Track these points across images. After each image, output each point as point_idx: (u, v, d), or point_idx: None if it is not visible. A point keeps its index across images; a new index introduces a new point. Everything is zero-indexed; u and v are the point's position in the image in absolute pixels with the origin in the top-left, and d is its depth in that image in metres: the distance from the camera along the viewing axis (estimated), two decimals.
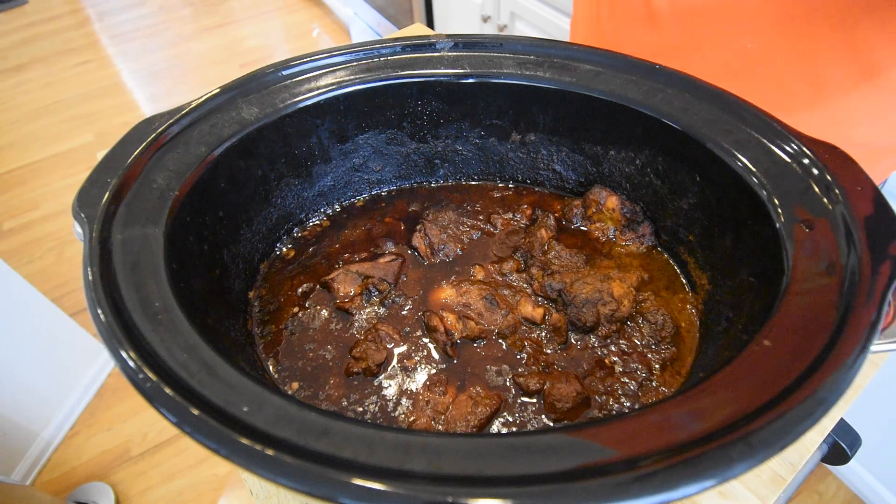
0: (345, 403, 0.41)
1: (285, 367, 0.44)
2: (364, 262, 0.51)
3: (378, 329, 0.45)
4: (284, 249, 0.53)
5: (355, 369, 0.43)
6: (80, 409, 1.53)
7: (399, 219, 0.56)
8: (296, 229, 0.54)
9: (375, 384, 0.43)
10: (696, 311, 0.46)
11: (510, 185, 0.58)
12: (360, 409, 0.41)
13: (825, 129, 0.54)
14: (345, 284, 0.48)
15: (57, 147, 2.37)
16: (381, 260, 0.51)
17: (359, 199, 0.58)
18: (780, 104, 0.54)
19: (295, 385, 0.43)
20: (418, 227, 0.53)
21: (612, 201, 0.51)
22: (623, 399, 0.41)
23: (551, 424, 0.40)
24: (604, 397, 0.41)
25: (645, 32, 0.61)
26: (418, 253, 0.52)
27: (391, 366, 0.44)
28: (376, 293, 0.48)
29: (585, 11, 0.72)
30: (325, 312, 0.47)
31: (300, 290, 0.49)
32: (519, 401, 0.42)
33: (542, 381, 0.41)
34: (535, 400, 0.41)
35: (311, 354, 0.44)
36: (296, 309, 0.48)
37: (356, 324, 0.47)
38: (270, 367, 0.44)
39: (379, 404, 0.41)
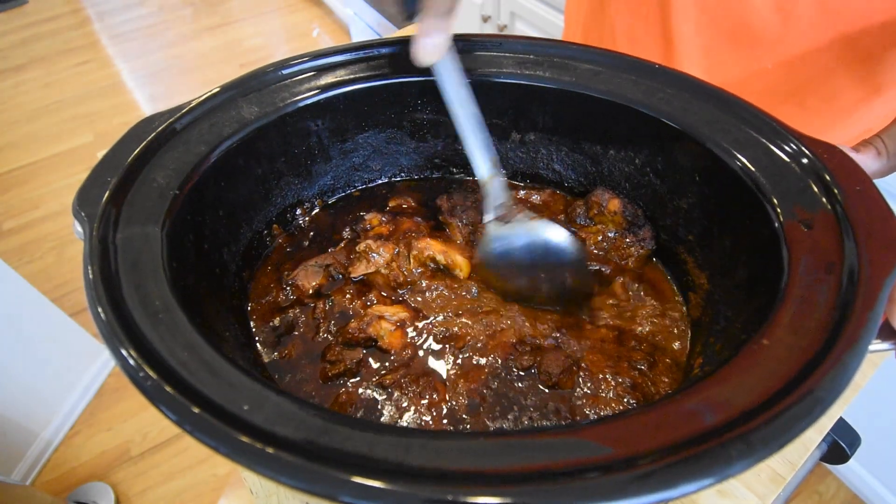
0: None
1: (276, 369, 0.44)
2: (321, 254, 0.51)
3: (348, 329, 0.45)
4: (280, 240, 0.53)
5: (333, 373, 0.42)
6: (80, 409, 1.53)
7: (402, 206, 0.57)
8: (292, 222, 0.55)
9: (354, 383, 0.42)
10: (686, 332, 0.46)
11: (519, 183, 0.59)
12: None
13: (836, 135, 0.61)
14: (307, 280, 0.48)
15: (57, 147, 2.37)
16: (335, 248, 0.51)
17: (355, 191, 0.58)
18: (795, 115, 0.59)
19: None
20: (447, 193, 0.55)
21: (615, 204, 0.51)
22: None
23: (546, 391, 0.41)
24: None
25: (661, 44, 0.63)
26: (441, 210, 0.53)
27: (369, 364, 0.44)
28: (340, 277, 0.49)
29: (587, 11, 0.72)
30: (302, 317, 0.47)
31: (283, 288, 0.49)
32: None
33: (533, 358, 0.43)
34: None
35: (294, 361, 0.44)
36: (279, 302, 0.48)
37: (324, 323, 0.46)
38: (265, 362, 0.44)
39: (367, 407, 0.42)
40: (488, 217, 0.47)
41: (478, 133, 0.45)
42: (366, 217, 0.54)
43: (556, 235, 0.45)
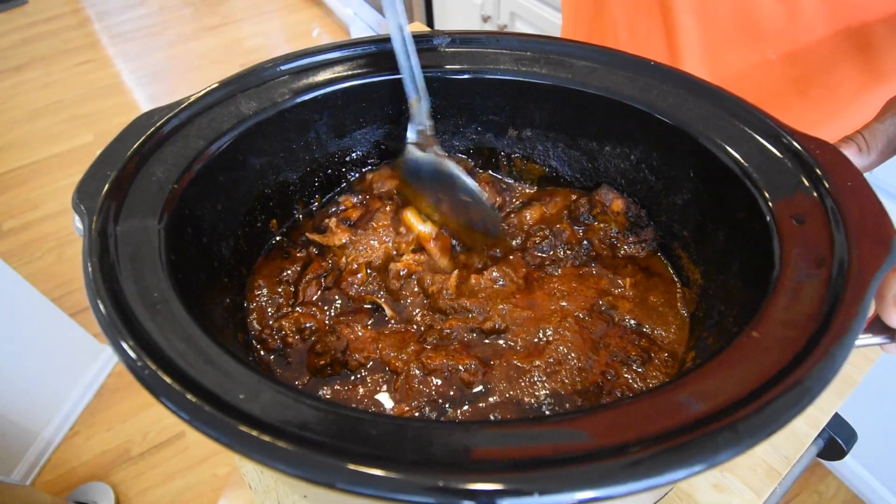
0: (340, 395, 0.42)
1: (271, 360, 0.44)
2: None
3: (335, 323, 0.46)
4: (278, 236, 0.53)
5: (321, 363, 0.43)
6: (80, 409, 1.53)
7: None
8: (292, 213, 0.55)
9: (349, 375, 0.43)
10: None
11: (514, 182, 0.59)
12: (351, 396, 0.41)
13: (835, 125, 0.61)
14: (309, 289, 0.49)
15: (57, 147, 2.38)
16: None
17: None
18: (796, 106, 0.60)
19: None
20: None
21: (618, 204, 0.51)
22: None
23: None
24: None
25: (663, 37, 0.63)
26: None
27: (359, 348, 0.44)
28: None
29: (586, 5, 0.73)
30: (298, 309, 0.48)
31: (284, 279, 0.49)
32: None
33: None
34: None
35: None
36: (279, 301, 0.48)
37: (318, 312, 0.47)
38: (267, 360, 0.44)
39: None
40: (411, 138, 0.50)
41: (411, 57, 0.47)
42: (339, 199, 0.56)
43: (461, 173, 0.48)
